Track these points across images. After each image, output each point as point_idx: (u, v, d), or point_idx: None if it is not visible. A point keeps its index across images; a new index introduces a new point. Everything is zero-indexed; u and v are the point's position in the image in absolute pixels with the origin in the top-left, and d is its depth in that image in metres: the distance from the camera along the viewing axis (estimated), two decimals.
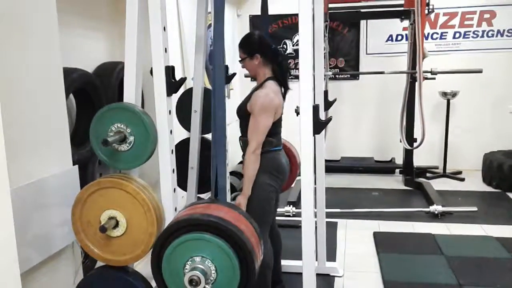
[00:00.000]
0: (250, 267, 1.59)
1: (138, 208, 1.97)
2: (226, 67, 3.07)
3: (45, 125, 2.20)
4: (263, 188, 2.44)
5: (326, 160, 5.88)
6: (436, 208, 4.22)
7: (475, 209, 4.25)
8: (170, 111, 1.99)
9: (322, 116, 2.77)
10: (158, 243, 1.74)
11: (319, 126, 1.96)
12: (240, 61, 2.67)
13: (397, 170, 5.89)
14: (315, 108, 1.93)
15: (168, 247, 1.68)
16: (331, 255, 3.32)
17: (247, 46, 2.60)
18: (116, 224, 1.98)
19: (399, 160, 5.79)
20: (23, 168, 2.03)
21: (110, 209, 1.98)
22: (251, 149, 2.40)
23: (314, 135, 1.96)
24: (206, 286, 1.56)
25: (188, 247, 1.64)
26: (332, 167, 5.89)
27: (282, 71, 2.59)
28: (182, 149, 3.03)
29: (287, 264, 3.05)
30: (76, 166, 2.32)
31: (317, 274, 2.74)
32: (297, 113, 1.96)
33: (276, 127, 2.52)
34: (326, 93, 2.85)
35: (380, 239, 3.65)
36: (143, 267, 2.98)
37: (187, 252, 1.64)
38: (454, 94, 5.55)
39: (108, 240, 2.01)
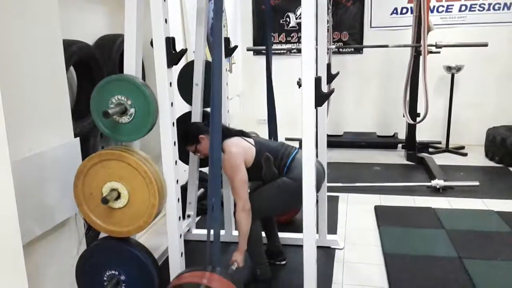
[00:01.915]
0: None
1: (139, 180, 1.98)
2: (228, 40, 3.03)
3: (45, 97, 2.19)
4: (285, 190, 2.46)
5: (328, 135, 5.87)
6: (437, 182, 4.22)
7: (476, 183, 4.25)
8: (170, 83, 1.98)
9: (324, 89, 2.74)
10: None
11: (321, 98, 1.94)
12: (195, 153, 2.74)
13: (400, 145, 5.88)
14: (317, 80, 1.91)
15: None
16: (332, 229, 3.34)
17: (190, 138, 2.63)
18: (118, 196, 2.00)
19: (402, 135, 5.78)
20: (24, 141, 2.03)
21: (112, 181, 2.00)
22: (239, 208, 2.44)
23: (316, 107, 1.94)
24: None
25: None
26: (335, 142, 5.88)
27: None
28: (184, 122, 3.03)
29: (289, 237, 3.08)
30: (78, 138, 2.32)
31: (318, 247, 2.77)
32: (299, 85, 1.95)
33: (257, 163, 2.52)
34: (329, 66, 2.82)
35: (381, 213, 3.67)
36: (146, 239, 3.02)
37: None
38: (458, 69, 5.49)
39: (111, 211, 2.03)
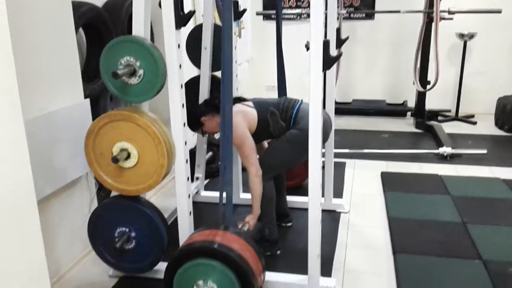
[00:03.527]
0: None
1: (149, 140, 2.02)
2: (236, 3, 3.01)
3: (55, 58, 2.22)
4: (295, 141, 2.46)
5: (337, 103, 5.88)
6: (445, 150, 4.23)
7: (484, 151, 4.25)
8: (179, 45, 1.99)
9: (333, 54, 2.73)
10: (171, 264, 1.93)
11: (329, 61, 1.94)
12: (203, 134, 2.74)
13: (409, 113, 5.86)
14: (325, 43, 1.90)
15: (180, 268, 1.89)
16: (338, 193, 3.39)
17: (194, 125, 2.59)
18: (128, 156, 2.05)
19: (412, 103, 5.75)
20: (35, 101, 2.07)
21: (122, 141, 2.04)
22: (253, 173, 2.46)
23: (324, 71, 1.95)
24: None
25: (197, 271, 1.87)
26: (344, 109, 5.88)
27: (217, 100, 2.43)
28: (192, 86, 3.05)
29: (296, 200, 3.13)
30: (88, 99, 2.36)
31: (324, 210, 2.83)
32: (307, 48, 1.95)
33: (264, 123, 2.53)
34: (338, 30, 2.79)
35: (387, 179, 3.70)
36: (155, 200, 3.09)
37: (197, 275, 1.87)
38: (471, 36, 5.40)
39: (121, 171, 2.09)
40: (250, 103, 2.59)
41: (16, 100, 1.23)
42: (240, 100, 2.63)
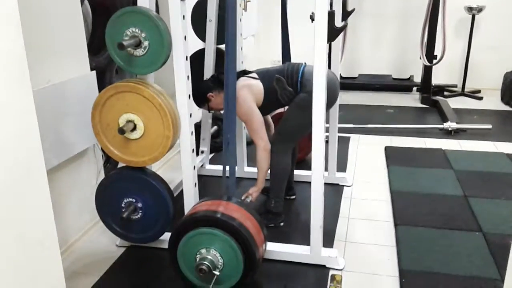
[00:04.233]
0: (253, 259, 1.92)
1: (154, 112, 2.04)
2: None
3: (61, 30, 2.23)
4: (305, 105, 2.32)
5: (343, 77, 5.85)
6: (450, 125, 4.23)
7: (489, 126, 4.25)
8: (184, 16, 1.99)
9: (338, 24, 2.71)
10: (175, 233, 1.98)
11: (333, 32, 1.94)
12: (209, 110, 2.71)
13: (415, 88, 5.84)
14: (330, 14, 1.90)
15: (183, 237, 1.94)
16: (342, 167, 3.42)
17: (200, 100, 2.59)
18: (134, 127, 2.08)
19: (418, 78, 5.71)
20: (41, 72, 2.09)
21: (128, 113, 2.06)
22: (261, 147, 2.48)
23: (328, 42, 1.95)
24: (215, 272, 1.89)
25: (200, 239, 1.92)
26: (349, 84, 5.86)
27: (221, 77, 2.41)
28: (197, 59, 3.05)
29: (300, 174, 3.16)
30: (94, 71, 2.37)
31: (327, 183, 2.87)
32: (312, 19, 1.94)
33: (270, 92, 2.52)
34: (344, 2, 2.77)
35: (391, 153, 3.72)
36: (161, 173, 3.14)
37: (200, 243, 1.92)
38: (479, 10, 5.32)
39: (127, 142, 2.12)
40: (255, 75, 2.59)
41: (25, 69, 1.25)
42: (244, 73, 2.63)
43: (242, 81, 2.52)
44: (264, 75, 2.56)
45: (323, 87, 2.00)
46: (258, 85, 2.53)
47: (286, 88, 2.48)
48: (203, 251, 1.91)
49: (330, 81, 2.04)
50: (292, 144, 2.61)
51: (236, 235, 1.88)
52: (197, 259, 1.91)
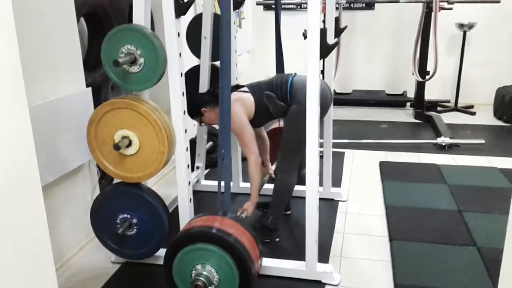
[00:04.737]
0: (249, 275, 1.92)
1: (149, 128, 2.05)
2: None
3: (57, 47, 2.25)
4: (298, 117, 2.35)
5: (337, 93, 5.90)
6: (443, 140, 4.26)
7: (482, 141, 4.29)
8: (179, 33, 2.02)
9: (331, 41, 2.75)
10: (170, 248, 1.98)
11: (326, 49, 1.97)
12: (200, 124, 2.76)
13: (408, 104, 5.89)
14: (323, 32, 1.94)
15: (179, 253, 1.94)
16: (337, 182, 3.43)
17: (194, 112, 2.58)
18: (129, 143, 2.09)
19: (411, 94, 5.77)
20: (38, 89, 2.11)
21: (123, 129, 2.08)
22: (252, 161, 2.49)
23: (321, 59, 1.98)
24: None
25: (196, 255, 1.91)
26: (343, 100, 5.90)
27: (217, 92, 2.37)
28: (192, 76, 3.08)
29: (295, 189, 3.14)
30: (89, 88, 2.39)
31: (322, 199, 2.87)
32: (305, 36, 1.97)
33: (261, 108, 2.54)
34: (337, 19, 2.82)
35: (386, 168, 3.74)
36: (156, 189, 3.13)
37: (195, 259, 1.92)
38: (471, 26, 5.40)
39: (122, 158, 2.13)
40: (246, 89, 2.62)
41: (21, 86, 1.27)
42: (237, 87, 2.66)
43: (234, 95, 2.54)
44: (255, 89, 2.59)
45: (317, 103, 2.02)
46: (249, 98, 2.55)
47: (277, 103, 2.50)
48: (199, 267, 1.90)
49: (322, 91, 2.06)
50: (297, 157, 2.59)
51: (231, 250, 1.88)
52: (193, 275, 1.91)
